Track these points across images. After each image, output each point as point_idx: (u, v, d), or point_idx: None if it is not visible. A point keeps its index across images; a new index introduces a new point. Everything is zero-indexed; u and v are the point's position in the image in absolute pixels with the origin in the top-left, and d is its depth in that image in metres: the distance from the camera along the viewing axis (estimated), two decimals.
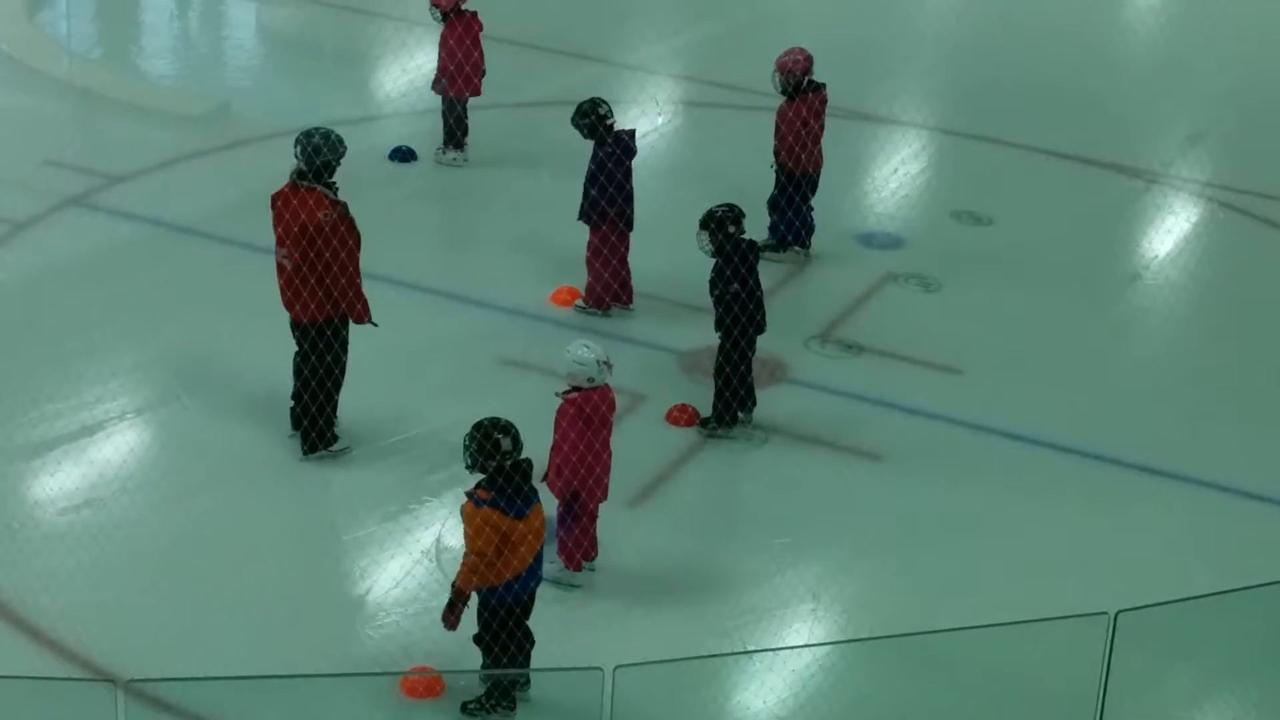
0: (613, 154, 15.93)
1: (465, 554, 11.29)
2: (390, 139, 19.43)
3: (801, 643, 12.32)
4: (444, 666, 11.79)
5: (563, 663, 11.57)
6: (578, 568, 12.84)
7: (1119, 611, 10.22)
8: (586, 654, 11.51)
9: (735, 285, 14.40)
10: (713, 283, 14.54)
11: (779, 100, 17.35)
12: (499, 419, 11.47)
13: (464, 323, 16.20)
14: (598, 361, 12.63)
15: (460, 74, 18.50)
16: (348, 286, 13.57)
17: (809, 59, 17.26)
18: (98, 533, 13.02)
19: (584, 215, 16.06)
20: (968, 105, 21.92)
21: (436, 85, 18.86)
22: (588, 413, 12.57)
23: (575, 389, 12.64)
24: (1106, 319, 17.25)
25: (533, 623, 11.58)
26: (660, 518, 13.77)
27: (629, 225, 16.09)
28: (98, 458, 13.89)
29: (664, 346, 15.88)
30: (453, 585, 11.40)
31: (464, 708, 11.48)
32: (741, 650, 12.18)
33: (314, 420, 13.71)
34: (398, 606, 12.45)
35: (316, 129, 13.65)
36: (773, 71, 17.26)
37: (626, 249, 16.18)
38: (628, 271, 16.27)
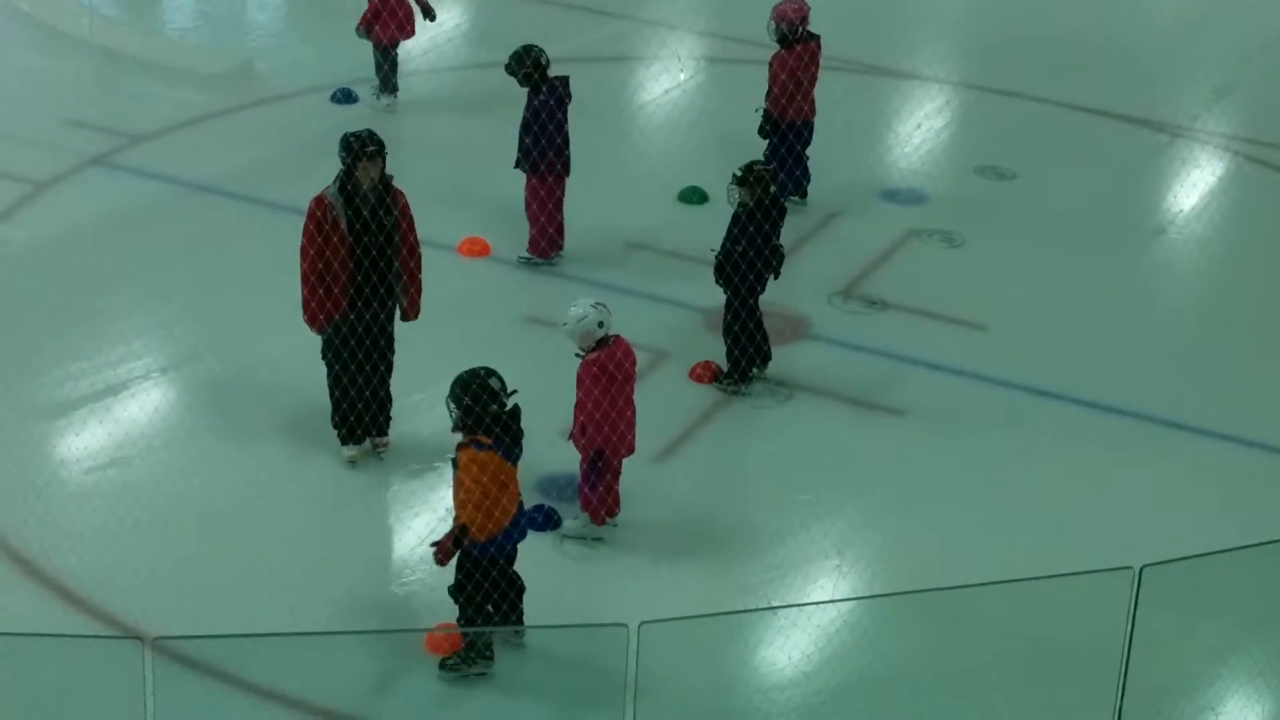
0: (547, 101, 15.93)
1: (462, 499, 11.15)
2: (407, 96, 19.41)
3: (826, 598, 12.32)
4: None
5: (587, 619, 11.59)
6: (602, 523, 12.85)
7: (1144, 566, 10.21)
8: (611, 610, 11.53)
9: (745, 244, 14.38)
10: (729, 236, 14.51)
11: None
12: (476, 369, 11.42)
13: (487, 278, 16.21)
14: (594, 307, 12.61)
15: (392, 19, 18.89)
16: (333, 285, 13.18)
17: (805, 9, 17.29)
18: (123, 491, 13.06)
19: (520, 162, 16.12)
20: (991, 59, 21.82)
21: (359, 30, 19.12)
22: (611, 370, 12.56)
23: (593, 348, 12.63)
24: (1131, 273, 17.19)
25: (557, 580, 11.62)
26: (684, 474, 13.77)
27: (565, 171, 16.14)
28: (123, 417, 13.92)
29: (686, 304, 15.85)
30: (457, 523, 11.24)
31: (442, 665, 11.46)
32: (766, 606, 12.19)
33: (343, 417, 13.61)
34: (422, 564, 12.46)
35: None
36: (769, 20, 17.25)
37: (562, 195, 16.24)
38: (560, 217, 16.35)
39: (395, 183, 13.21)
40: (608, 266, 16.31)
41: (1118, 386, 15.04)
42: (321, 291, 13.04)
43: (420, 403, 14.14)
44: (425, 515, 13.01)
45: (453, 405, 11.33)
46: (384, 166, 13.11)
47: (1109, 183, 18.83)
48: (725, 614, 11.63)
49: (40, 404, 14.05)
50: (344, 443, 13.52)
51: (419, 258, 13.37)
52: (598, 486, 12.78)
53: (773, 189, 14.52)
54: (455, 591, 11.46)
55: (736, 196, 14.51)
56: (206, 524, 12.73)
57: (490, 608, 11.42)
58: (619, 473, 12.85)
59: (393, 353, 13.50)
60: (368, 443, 13.61)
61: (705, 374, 14.82)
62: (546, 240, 16.28)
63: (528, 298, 15.91)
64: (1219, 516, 13.30)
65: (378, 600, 12.20)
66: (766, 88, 17.30)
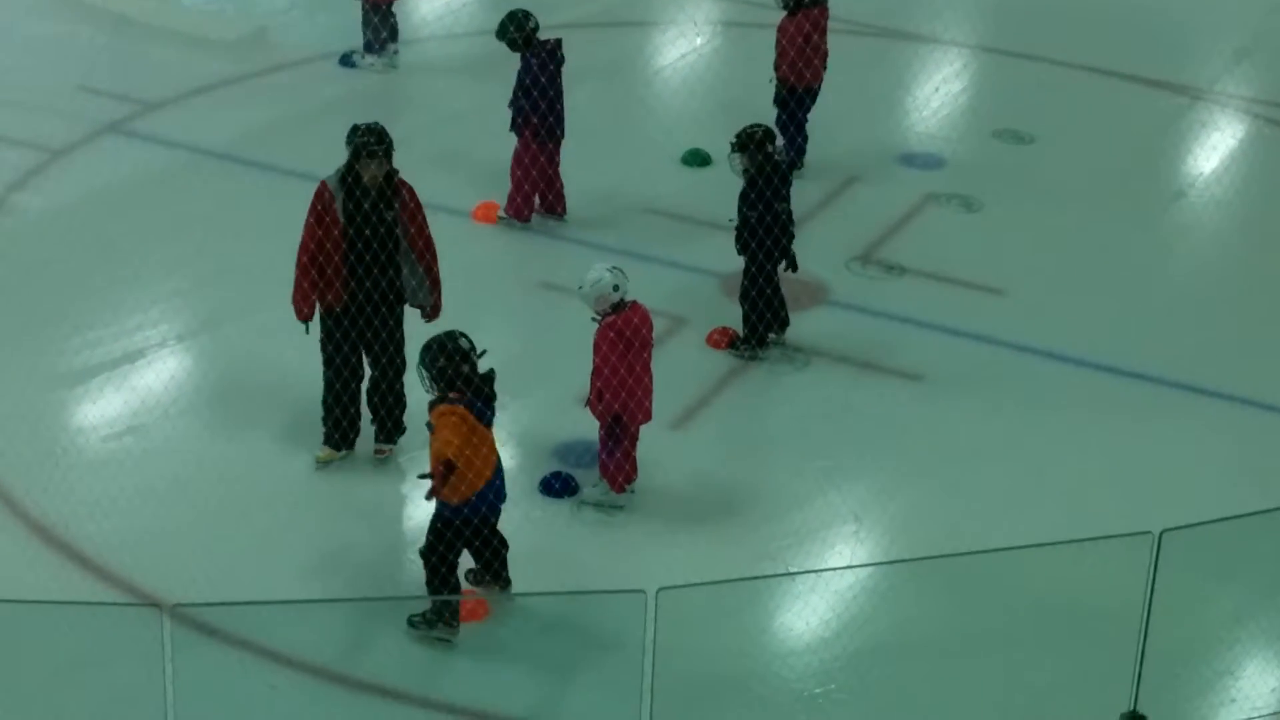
0: (538, 64, 15.96)
1: (445, 439, 11.12)
2: (417, 59, 19.38)
3: (844, 564, 12.31)
4: (488, 590, 11.81)
5: (605, 585, 11.57)
6: (621, 490, 12.83)
7: (1163, 531, 10.17)
8: (629, 576, 11.51)
9: (760, 209, 14.34)
10: (744, 203, 14.47)
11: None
12: (445, 332, 11.46)
13: (501, 244, 16.20)
14: (610, 270, 12.60)
15: None
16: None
17: None
18: (141, 459, 13.07)
19: (514, 125, 16.20)
20: (1009, 22, 21.73)
21: None
22: (628, 335, 12.54)
23: (609, 313, 12.61)
24: (1150, 237, 17.13)
25: (575, 546, 11.61)
26: (702, 440, 13.75)
27: (556, 135, 16.17)
28: (140, 385, 13.92)
29: (704, 269, 15.81)
30: (441, 461, 11.21)
31: (410, 620, 11.49)
32: (784, 572, 12.18)
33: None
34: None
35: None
36: None
37: (556, 158, 16.28)
38: (559, 181, 16.38)
39: (400, 157, 13.03)
40: (621, 231, 16.28)
41: (1136, 350, 15.00)
42: (306, 283, 12.78)
43: None
44: None
45: (424, 371, 11.37)
46: (389, 163, 12.81)
47: (1128, 146, 18.75)
48: (743, 580, 11.62)
49: (57, 372, 14.06)
50: (324, 440, 13.19)
51: (434, 253, 12.97)
52: (615, 453, 12.76)
53: (771, 149, 14.46)
54: (425, 553, 11.46)
55: (738, 163, 14.49)
56: (224, 491, 12.74)
57: (468, 577, 11.44)
58: (636, 439, 12.83)
59: (402, 358, 12.98)
60: (344, 452, 13.19)
61: (722, 340, 14.79)
62: (524, 200, 16.35)
63: (544, 264, 15.86)
64: (1238, 481, 13.27)
65: (395, 567, 12.19)
66: (776, 55, 17.24)
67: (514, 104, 16.11)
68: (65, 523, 12.33)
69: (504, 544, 11.67)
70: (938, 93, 19.70)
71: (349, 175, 12.73)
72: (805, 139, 17.47)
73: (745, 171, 14.47)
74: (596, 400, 12.64)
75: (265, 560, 12.06)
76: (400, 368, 12.99)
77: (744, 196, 14.50)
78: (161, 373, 14.09)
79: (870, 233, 16.71)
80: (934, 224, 17.10)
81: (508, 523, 12.22)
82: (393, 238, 12.79)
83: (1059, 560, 10.88)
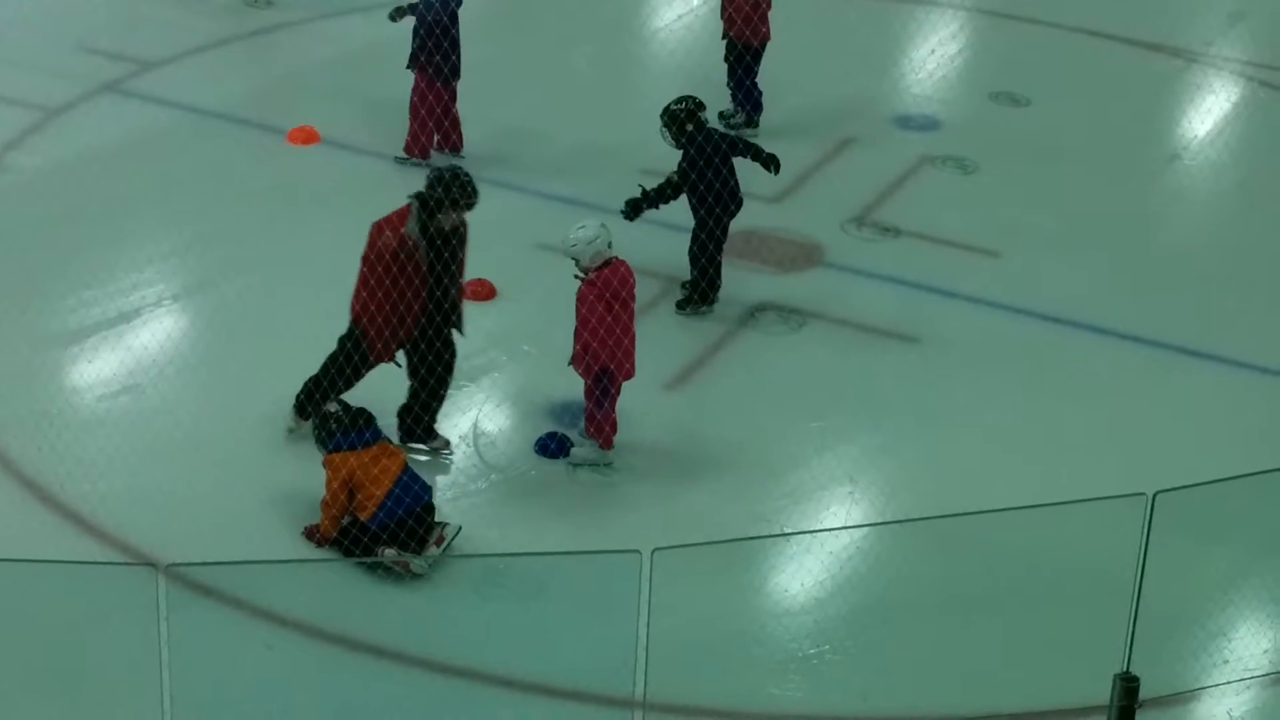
0: (439, 2, 16.20)
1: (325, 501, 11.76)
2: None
3: (839, 525, 12.33)
4: (477, 550, 11.84)
5: (600, 546, 11.59)
6: (610, 446, 12.83)
7: (1157, 492, 10.18)
8: (624, 537, 11.53)
9: (694, 179, 14.36)
10: (682, 173, 14.48)
11: None
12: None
13: (505, 204, 16.18)
14: (602, 227, 12.67)
15: None
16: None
17: None
18: (136, 419, 13.08)
19: (411, 62, 16.41)
20: None
21: None
22: (615, 287, 12.54)
23: (594, 269, 12.63)
24: (1145, 200, 17.13)
25: (570, 507, 11.66)
26: (696, 402, 13.76)
27: (455, 73, 16.43)
28: (135, 344, 13.92)
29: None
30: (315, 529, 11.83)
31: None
32: (779, 533, 12.20)
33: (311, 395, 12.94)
34: (436, 491, 12.48)
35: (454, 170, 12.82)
36: None
37: (453, 96, 16.54)
38: (456, 117, 16.67)
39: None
40: (619, 191, 16.20)
41: (1131, 313, 15.01)
42: (389, 332, 12.53)
43: None
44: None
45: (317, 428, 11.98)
46: None
47: (1123, 109, 18.73)
48: (738, 540, 11.64)
49: (52, 332, 14.05)
50: (296, 411, 12.93)
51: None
52: (603, 404, 12.74)
53: (689, 126, 14.48)
54: (334, 544, 11.84)
55: (669, 136, 14.55)
56: (218, 451, 12.75)
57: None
58: (617, 397, 12.81)
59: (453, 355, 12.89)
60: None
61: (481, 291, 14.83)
62: (427, 137, 16.60)
63: (539, 224, 15.83)
64: (1232, 443, 13.28)
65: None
66: (724, 15, 17.35)
67: (412, 42, 16.38)
68: (60, 482, 12.33)
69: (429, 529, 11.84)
70: (934, 55, 19.67)
71: (431, 223, 12.44)
72: (760, 93, 17.50)
73: (679, 143, 14.49)
74: (582, 353, 12.64)
75: (260, 520, 12.07)
76: (451, 365, 12.89)
77: (681, 172, 14.49)
78: (157, 332, 14.08)
79: (866, 195, 16.70)
80: (930, 186, 17.09)
81: (502, 483, 12.28)
82: (461, 273, 12.78)
83: (1053, 521, 10.90)
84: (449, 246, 12.57)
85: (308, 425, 12.52)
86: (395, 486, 11.66)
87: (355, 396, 12.35)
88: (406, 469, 11.81)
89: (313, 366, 12.89)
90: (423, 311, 12.53)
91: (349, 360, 12.64)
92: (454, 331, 12.82)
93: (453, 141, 16.77)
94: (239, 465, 12.61)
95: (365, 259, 12.53)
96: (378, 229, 12.53)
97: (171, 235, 15.41)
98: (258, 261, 15.00)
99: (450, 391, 13.34)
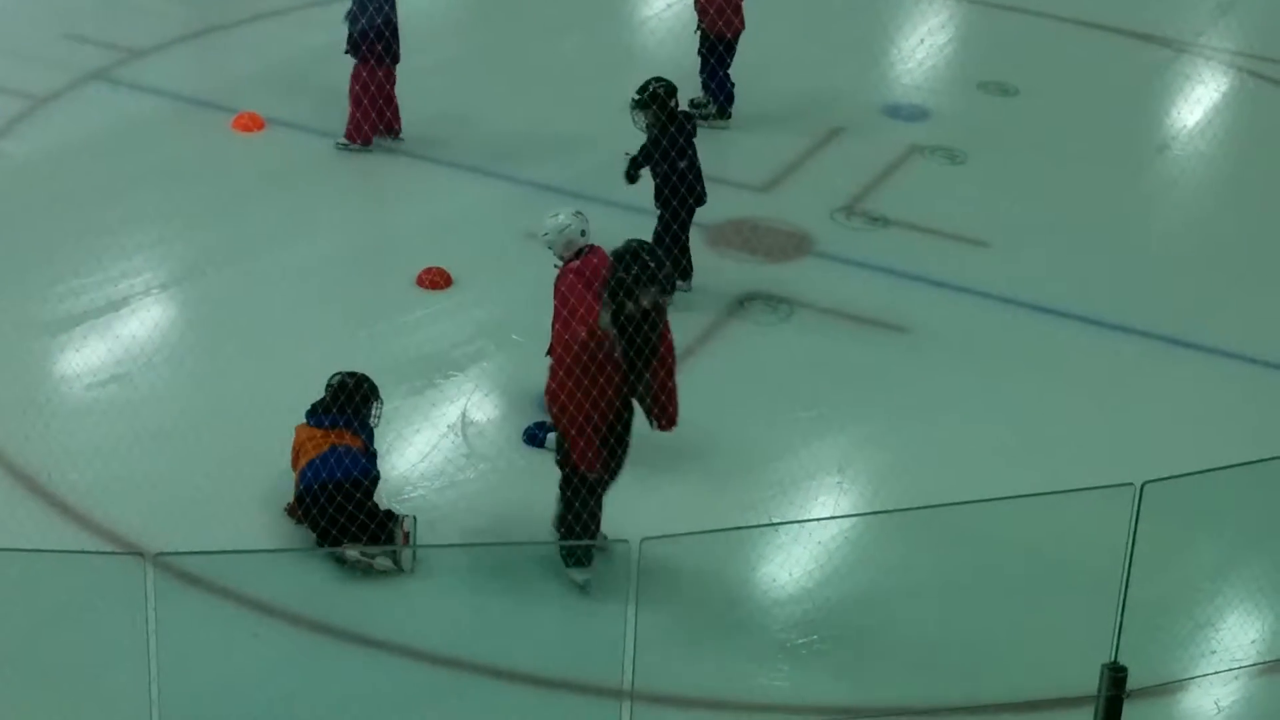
0: None
1: None
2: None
3: (827, 514, 12.33)
4: (465, 539, 11.83)
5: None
6: None
7: (1145, 483, 10.19)
8: (613, 526, 11.56)
9: (665, 167, 14.32)
10: (649, 158, 14.47)
11: None
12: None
13: (491, 194, 16.18)
14: (575, 215, 12.66)
15: None
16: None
17: None
18: (124, 407, 13.06)
19: (350, 48, 16.40)
20: None
21: None
22: (588, 276, 12.52)
23: (572, 257, 12.63)
24: (1134, 190, 17.13)
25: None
26: (685, 392, 13.63)
27: (394, 59, 16.47)
28: (123, 333, 13.89)
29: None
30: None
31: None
32: (768, 522, 12.20)
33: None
34: (424, 481, 12.48)
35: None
36: None
37: (392, 82, 16.57)
38: (395, 102, 16.68)
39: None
40: (603, 179, 16.19)
41: (1120, 303, 15.01)
42: (599, 440, 11.44)
43: (421, 320, 14.15)
44: (426, 431, 13.02)
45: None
46: None
47: (1112, 99, 18.74)
48: (726, 530, 11.64)
49: (40, 320, 14.03)
50: (575, 565, 11.53)
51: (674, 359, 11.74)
52: None
53: (674, 104, 14.45)
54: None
55: (640, 119, 14.50)
56: (207, 440, 12.72)
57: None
58: None
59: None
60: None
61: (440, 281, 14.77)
62: (368, 124, 16.59)
63: (530, 214, 15.81)
64: (1220, 433, 13.30)
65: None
66: (698, 8, 17.34)
67: (350, 27, 16.40)
68: (48, 471, 12.31)
69: (381, 526, 11.74)
70: (923, 44, 19.66)
71: (622, 311, 11.20)
72: (733, 85, 17.52)
73: (649, 128, 14.47)
74: (560, 338, 12.60)
75: (248, 509, 12.05)
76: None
77: (645, 152, 14.47)
78: (145, 321, 14.06)
79: (855, 184, 16.70)
80: (919, 176, 17.09)
81: (491, 472, 12.26)
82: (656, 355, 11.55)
83: (1041, 511, 10.89)
84: (640, 332, 11.28)
85: (589, 570, 11.54)
86: (317, 458, 11.72)
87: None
88: (337, 449, 11.78)
89: (304, 358, 12.90)
90: (616, 395, 11.42)
91: (577, 493, 11.59)
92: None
93: (390, 124, 16.76)
94: (227, 454, 12.58)
95: (559, 359, 11.52)
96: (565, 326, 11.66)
97: (160, 223, 15.38)
98: (247, 249, 14.97)
99: (439, 381, 13.35)
